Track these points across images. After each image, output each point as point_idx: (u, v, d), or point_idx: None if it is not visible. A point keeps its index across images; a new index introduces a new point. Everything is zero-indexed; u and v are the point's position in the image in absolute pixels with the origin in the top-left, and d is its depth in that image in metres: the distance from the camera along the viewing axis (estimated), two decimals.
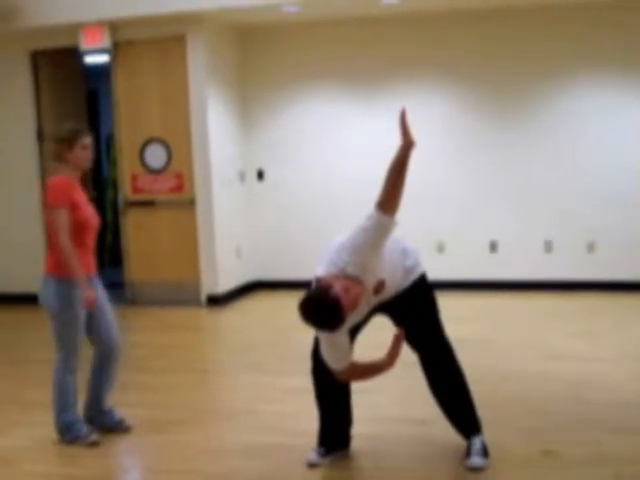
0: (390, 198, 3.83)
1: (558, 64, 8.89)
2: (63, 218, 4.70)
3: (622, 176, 8.85)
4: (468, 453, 4.34)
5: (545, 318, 7.98)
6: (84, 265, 4.83)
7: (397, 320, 4.37)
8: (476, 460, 4.28)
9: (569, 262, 9.10)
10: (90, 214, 4.92)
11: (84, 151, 4.86)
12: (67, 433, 4.88)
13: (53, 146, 4.89)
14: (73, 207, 4.75)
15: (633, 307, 8.28)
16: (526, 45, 8.93)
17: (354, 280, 3.82)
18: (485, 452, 4.33)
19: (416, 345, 4.36)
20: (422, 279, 4.36)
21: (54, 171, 4.92)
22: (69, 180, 4.82)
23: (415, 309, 4.34)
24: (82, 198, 4.88)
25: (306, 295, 3.80)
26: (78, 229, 4.81)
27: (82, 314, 4.85)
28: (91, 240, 4.99)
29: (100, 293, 5.03)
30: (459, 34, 9.07)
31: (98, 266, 10.89)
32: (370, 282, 3.95)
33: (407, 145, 3.85)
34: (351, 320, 3.96)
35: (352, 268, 3.84)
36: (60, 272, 4.77)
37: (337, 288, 3.73)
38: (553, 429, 4.87)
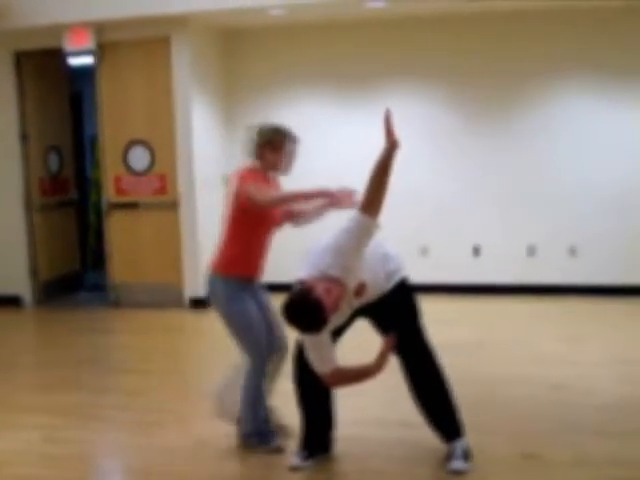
0: (373, 200, 3.84)
1: (543, 69, 8.91)
2: (253, 189, 4.49)
3: (605, 181, 8.88)
4: (450, 457, 4.36)
5: (528, 322, 8.01)
6: (252, 265, 4.68)
7: (379, 324, 4.39)
8: (458, 464, 4.31)
9: (552, 266, 9.13)
10: (273, 212, 4.69)
11: (286, 157, 4.75)
12: (255, 438, 4.76)
13: (255, 141, 4.70)
14: None
15: (616, 311, 8.31)
16: (510, 49, 8.95)
17: (335, 282, 3.85)
18: (467, 456, 4.35)
19: (397, 349, 4.37)
20: (404, 283, 4.37)
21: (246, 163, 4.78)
22: (260, 173, 4.69)
23: (396, 313, 4.35)
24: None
25: (289, 297, 3.83)
26: (255, 223, 4.63)
27: (254, 310, 4.66)
28: (266, 238, 4.74)
29: (261, 296, 4.84)
30: (444, 38, 9.09)
31: (81, 268, 10.93)
32: (351, 284, 3.97)
33: (391, 146, 3.85)
34: (333, 322, 3.98)
35: (334, 270, 3.86)
36: (228, 271, 4.62)
37: (319, 290, 3.77)
38: (535, 432, 4.89)
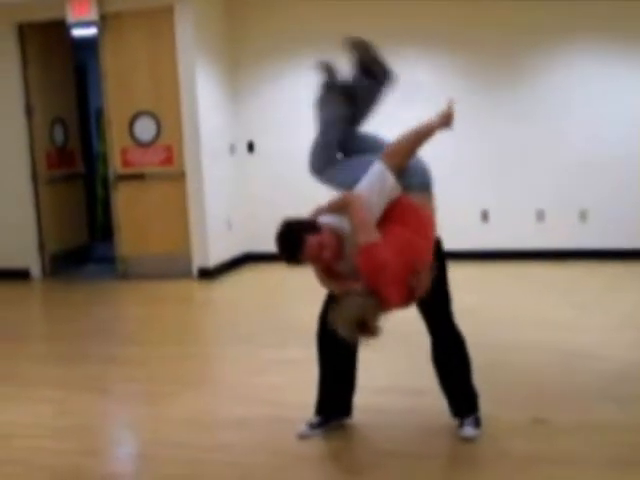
0: (398, 154, 4.03)
1: (550, 33, 8.84)
2: None
3: (613, 145, 8.83)
4: (461, 424, 4.36)
5: (537, 287, 7.99)
6: None
7: None
8: (469, 430, 4.30)
9: (561, 231, 9.10)
10: None
11: None
12: None
13: None
14: None
15: (625, 275, 8.29)
16: (516, 14, 8.87)
17: (339, 242, 3.93)
18: (477, 423, 4.35)
19: (428, 323, 4.34)
20: (438, 246, 4.32)
21: None
22: None
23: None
24: None
25: (292, 220, 4.04)
26: None
27: None
28: None
29: None
30: (453, 5, 8.99)
31: (89, 241, 10.93)
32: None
33: (443, 126, 4.14)
34: (342, 268, 4.03)
35: (348, 224, 3.92)
36: None
37: (314, 238, 3.89)
38: (544, 398, 4.89)
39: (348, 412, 4.58)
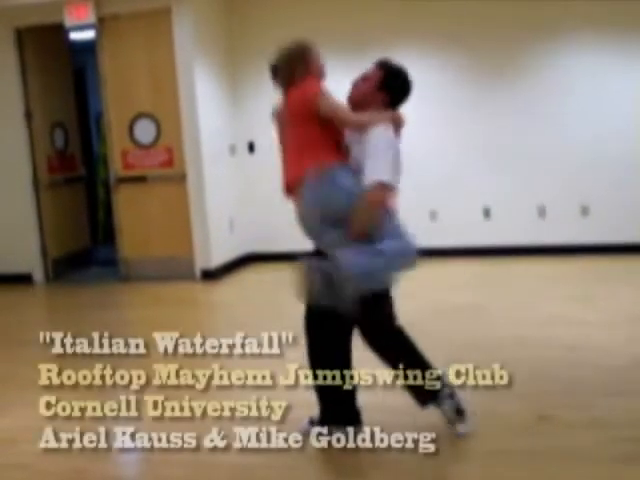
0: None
1: (549, 30, 8.83)
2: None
3: (614, 140, 8.82)
4: (449, 422, 4.28)
5: (540, 283, 7.98)
6: None
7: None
8: (460, 427, 4.27)
9: (563, 227, 9.09)
10: None
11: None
12: None
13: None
14: None
15: (628, 270, 8.28)
16: (518, 10, 8.86)
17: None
18: (459, 412, 4.26)
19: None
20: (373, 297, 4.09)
21: None
22: None
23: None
24: None
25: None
26: None
27: None
28: None
29: None
30: (449, 2, 8.98)
31: (91, 244, 10.91)
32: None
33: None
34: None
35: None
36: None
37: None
38: (548, 394, 4.88)
39: (357, 419, 4.45)
